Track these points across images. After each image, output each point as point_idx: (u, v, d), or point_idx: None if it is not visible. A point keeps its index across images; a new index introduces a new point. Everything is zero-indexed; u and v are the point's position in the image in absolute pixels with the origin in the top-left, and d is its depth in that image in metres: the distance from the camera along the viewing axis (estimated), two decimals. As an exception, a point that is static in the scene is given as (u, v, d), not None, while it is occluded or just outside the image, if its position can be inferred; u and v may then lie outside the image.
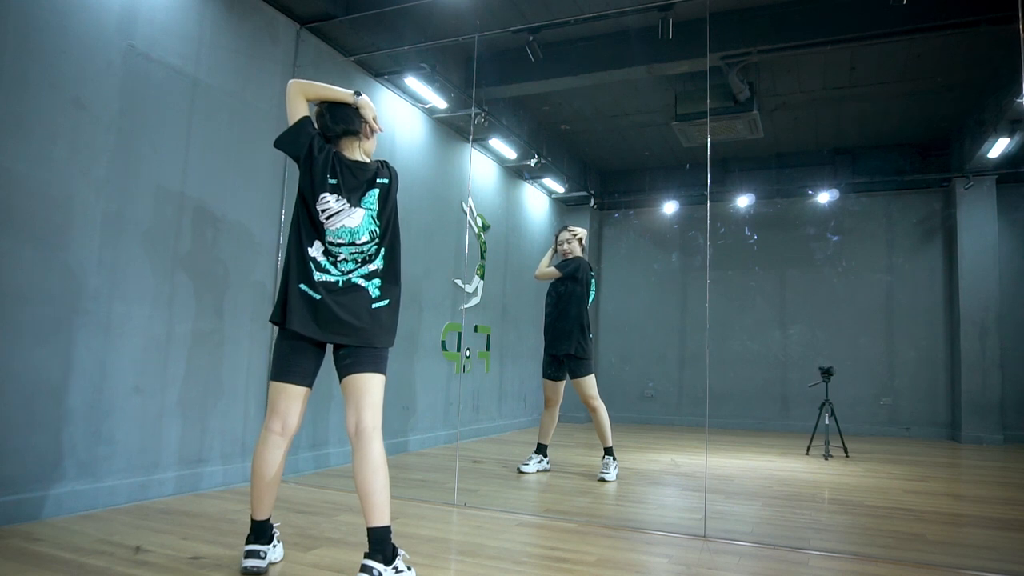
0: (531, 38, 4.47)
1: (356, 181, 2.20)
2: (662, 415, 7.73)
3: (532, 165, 6.56)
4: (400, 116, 5.11)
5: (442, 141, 5.67)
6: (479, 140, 6.03)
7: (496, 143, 6.13)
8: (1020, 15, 3.00)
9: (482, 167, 6.39)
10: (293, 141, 2.20)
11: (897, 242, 7.32)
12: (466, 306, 5.98)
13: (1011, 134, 5.65)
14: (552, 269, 4.36)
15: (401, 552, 2.07)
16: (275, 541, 2.27)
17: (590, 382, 4.26)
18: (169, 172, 3.31)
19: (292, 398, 2.19)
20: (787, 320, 7.51)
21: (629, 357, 7.98)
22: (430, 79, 4.94)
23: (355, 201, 2.18)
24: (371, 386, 2.18)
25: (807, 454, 5.52)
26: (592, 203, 7.87)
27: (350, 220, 2.15)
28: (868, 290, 7.29)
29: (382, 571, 1.96)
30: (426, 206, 5.44)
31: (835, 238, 7.42)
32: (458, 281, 5.88)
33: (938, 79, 5.52)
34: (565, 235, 4.45)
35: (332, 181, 2.17)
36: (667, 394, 7.79)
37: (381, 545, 2.01)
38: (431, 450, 5.29)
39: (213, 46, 3.56)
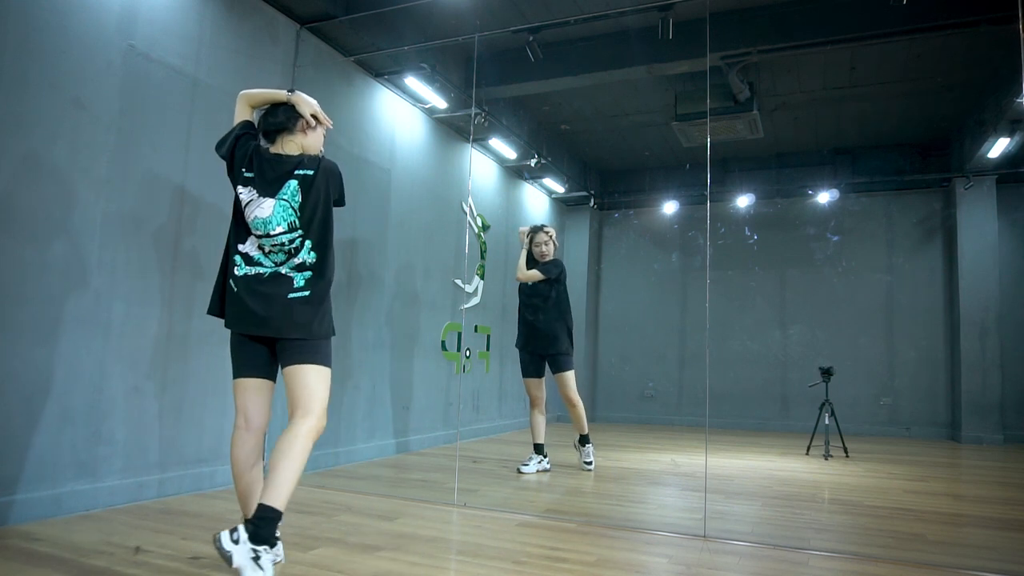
0: (531, 38, 4.47)
1: (274, 173, 2.25)
2: (662, 415, 7.72)
3: (532, 165, 6.56)
4: (400, 116, 5.11)
5: (442, 141, 5.68)
6: (479, 140, 6.03)
7: (496, 143, 6.13)
8: (1020, 15, 3.00)
9: (482, 167, 6.39)
10: (222, 144, 2.33)
11: (897, 242, 7.32)
12: (466, 306, 5.99)
13: (1011, 134, 5.65)
14: (536, 272, 4.35)
15: (276, 548, 2.05)
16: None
17: (572, 377, 4.38)
18: (169, 172, 3.31)
19: (249, 391, 2.26)
20: (787, 320, 7.51)
21: (629, 357, 7.98)
22: (430, 79, 4.94)
23: (268, 192, 2.22)
24: (301, 377, 2.18)
25: (807, 454, 5.52)
26: (592, 203, 7.87)
27: (260, 211, 2.20)
28: (868, 290, 7.29)
29: (241, 537, 1.90)
30: (426, 206, 5.44)
31: (835, 238, 7.42)
32: (458, 281, 5.88)
33: (938, 79, 5.52)
34: (542, 236, 4.40)
35: (248, 174, 2.25)
36: (667, 394, 7.79)
37: (261, 522, 1.95)
38: (431, 450, 5.29)
39: (213, 46, 3.56)
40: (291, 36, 4.11)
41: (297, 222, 2.22)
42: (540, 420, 4.43)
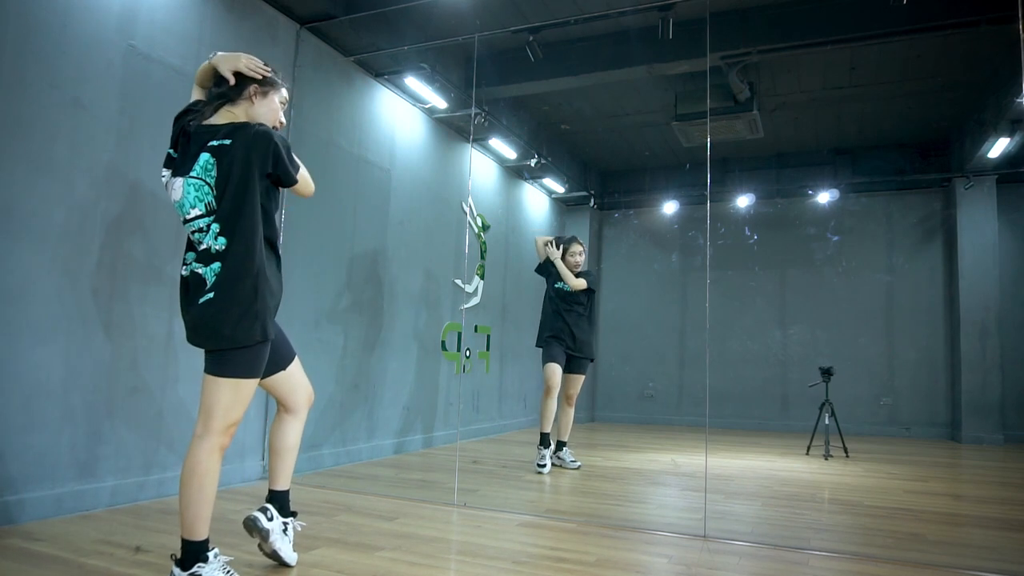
0: (531, 38, 4.47)
1: (194, 148, 1.96)
2: (662, 415, 7.72)
3: (532, 165, 6.56)
4: (400, 116, 5.11)
5: (442, 141, 5.68)
6: (479, 140, 6.03)
7: (496, 143, 6.13)
8: (1020, 15, 3.00)
9: (482, 167, 6.39)
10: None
11: (897, 242, 7.32)
12: (466, 306, 5.99)
13: (1011, 134, 5.65)
14: (583, 281, 4.59)
15: (204, 566, 1.91)
16: (289, 532, 2.26)
17: (582, 381, 4.71)
18: (169, 172, 3.31)
19: (267, 387, 2.22)
20: (787, 320, 7.51)
21: (629, 357, 7.98)
22: (430, 79, 4.94)
23: (182, 170, 1.96)
24: (206, 388, 1.95)
25: (807, 454, 5.52)
26: (592, 203, 7.87)
27: (174, 193, 1.96)
28: (868, 290, 7.29)
29: (175, 572, 1.92)
30: (426, 206, 5.44)
31: (835, 238, 7.42)
32: (458, 281, 5.88)
33: (938, 79, 5.51)
34: (578, 247, 4.67)
35: (173, 153, 2.01)
36: (667, 394, 7.79)
37: (185, 556, 1.92)
38: (431, 450, 5.29)
39: (213, 46, 3.56)
40: (291, 36, 4.11)
41: (215, 203, 1.92)
42: (554, 408, 4.50)
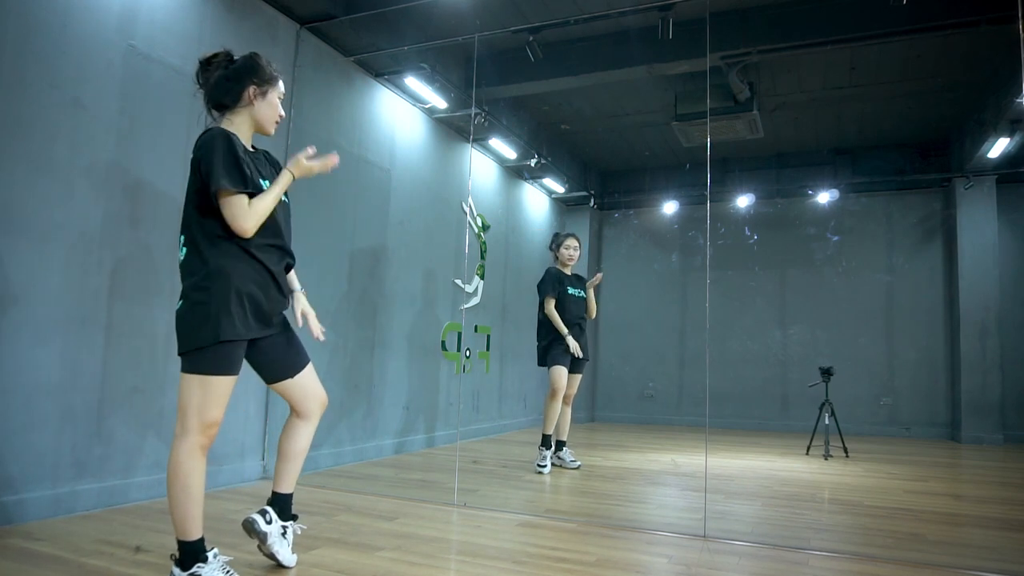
0: (531, 38, 4.47)
1: None
2: (662, 415, 7.72)
3: (532, 165, 6.56)
4: (400, 116, 5.11)
5: (442, 141, 5.68)
6: (479, 140, 6.03)
7: (496, 143, 6.13)
8: (1020, 15, 3.00)
9: (482, 167, 6.39)
10: None
11: (897, 242, 7.32)
12: (466, 306, 5.99)
13: (1011, 134, 5.65)
14: (593, 306, 4.73)
15: (203, 566, 1.92)
16: (289, 535, 2.26)
17: (579, 381, 4.71)
18: (169, 172, 3.31)
19: (278, 392, 2.24)
20: (787, 320, 7.51)
21: (629, 357, 7.98)
22: (430, 79, 4.94)
23: None
24: (180, 386, 1.96)
25: (807, 454, 5.52)
26: (592, 203, 7.87)
27: None
28: (868, 290, 7.29)
29: (174, 572, 1.93)
30: (426, 206, 5.44)
31: (835, 238, 7.42)
32: (458, 281, 5.88)
33: (938, 79, 5.52)
34: (573, 242, 4.65)
35: None
36: (667, 394, 7.79)
37: (183, 557, 1.93)
38: (431, 450, 5.29)
39: (213, 46, 3.53)
40: (291, 36, 4.11)
41: None
42: (559, 410, 4.47)
